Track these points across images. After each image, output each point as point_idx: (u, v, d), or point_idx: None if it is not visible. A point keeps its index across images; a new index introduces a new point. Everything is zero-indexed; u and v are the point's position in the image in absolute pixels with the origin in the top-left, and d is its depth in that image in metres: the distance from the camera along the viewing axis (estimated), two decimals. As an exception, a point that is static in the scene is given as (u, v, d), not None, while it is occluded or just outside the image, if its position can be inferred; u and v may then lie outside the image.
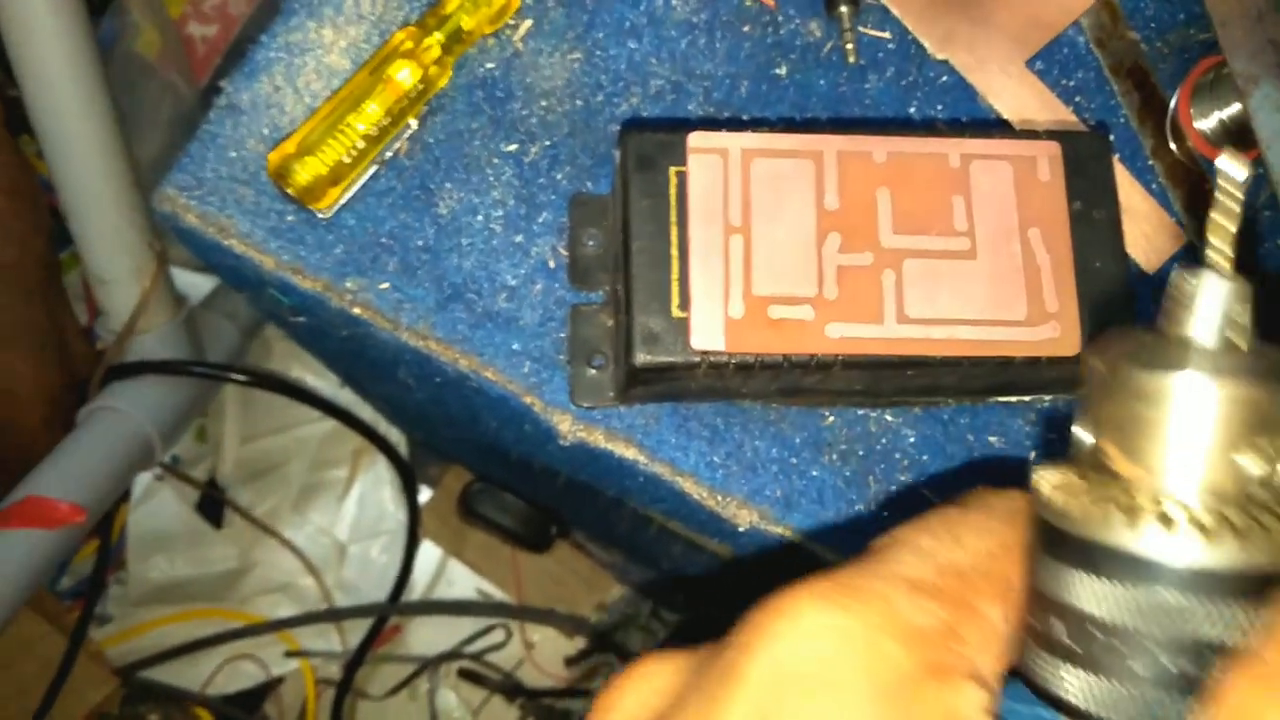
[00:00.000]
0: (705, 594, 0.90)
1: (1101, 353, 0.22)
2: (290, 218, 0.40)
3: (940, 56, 0.44)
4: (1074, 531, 0.21)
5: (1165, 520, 0.20)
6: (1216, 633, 0.20)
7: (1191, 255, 0.43)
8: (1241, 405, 0.21)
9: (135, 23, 0.83)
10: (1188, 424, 0.21)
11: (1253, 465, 0.21)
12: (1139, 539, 0.20)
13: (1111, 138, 0.43)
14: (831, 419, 0.40)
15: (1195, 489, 0.21)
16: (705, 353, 0.34)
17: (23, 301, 0.83)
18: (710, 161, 0.35)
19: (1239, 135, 0.42)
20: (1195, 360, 0.21)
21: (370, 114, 0.38)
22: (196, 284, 0.90)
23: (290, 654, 1.02)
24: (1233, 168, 0.22)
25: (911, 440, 0.40)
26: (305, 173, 0.37)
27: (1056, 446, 0.41)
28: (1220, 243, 0.22)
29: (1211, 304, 0.21)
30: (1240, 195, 0.22)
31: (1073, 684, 0.21)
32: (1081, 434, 0.22)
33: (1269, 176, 0.41)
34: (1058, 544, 0.21)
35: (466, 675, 1.04)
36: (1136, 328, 0.22)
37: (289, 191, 0.38)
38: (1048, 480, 0.22)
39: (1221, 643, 0.20)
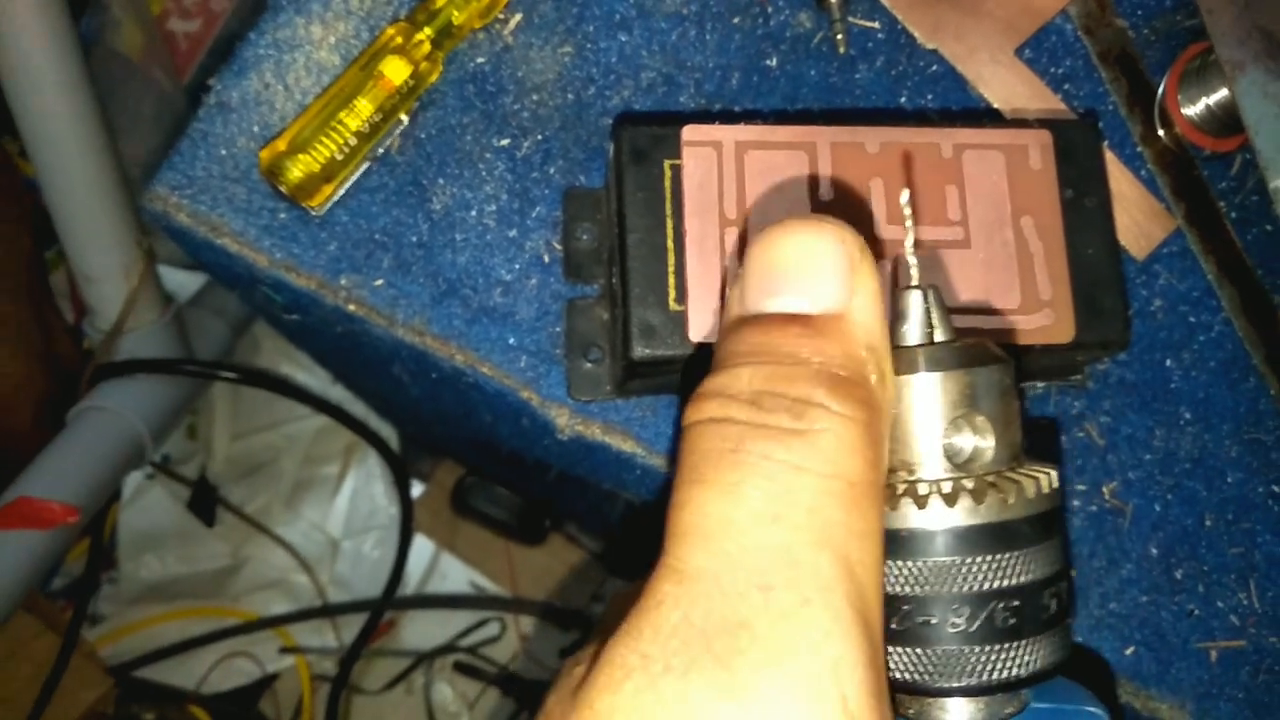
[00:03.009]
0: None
1: None
2: (283, 215, 0.40)
3: (929, 46, 0.44)
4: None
5: (917, 497, 0.24)
6: (986, 582, 0.24)
7: (1181, 242, 0.43)
8: (945, 388, 0.25)
9: (116, 19, 0.82)
10: (912, 413, 0.25)
11: (969, 439, 0.25)
12: (903, 517, 0.24)
13: (1101, 125, 0.43)
14: (827, 409, 0.40)
15: (938, 466, 0.25)
16: (703, 345, 0.34)
17: (9, 301, 0.83)
18: (705, 154, 0.35)
19: (1226, 121, 0.43)
20: (907, 362, 0.25)
21: (362, 110, 0.38)
22: (184, 281, 0.90)
23: (285, 650, 1.02)
24: (906, 196, 0.26)
25: (907, 428, 0.41)
26: (297, 170, 0.37)
27: (1046, 433, 0.42)
28: (911, 261, 0.26)
29: (915, 314, 0.26)
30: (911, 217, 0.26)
31: (895, 661, 0.25)
32: None
33: (1256, 162, 0.41)
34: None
35: (462, 669, 1.04)
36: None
37: (281, 189, 0.38)
38: None
39: (994, 589, 0.24)
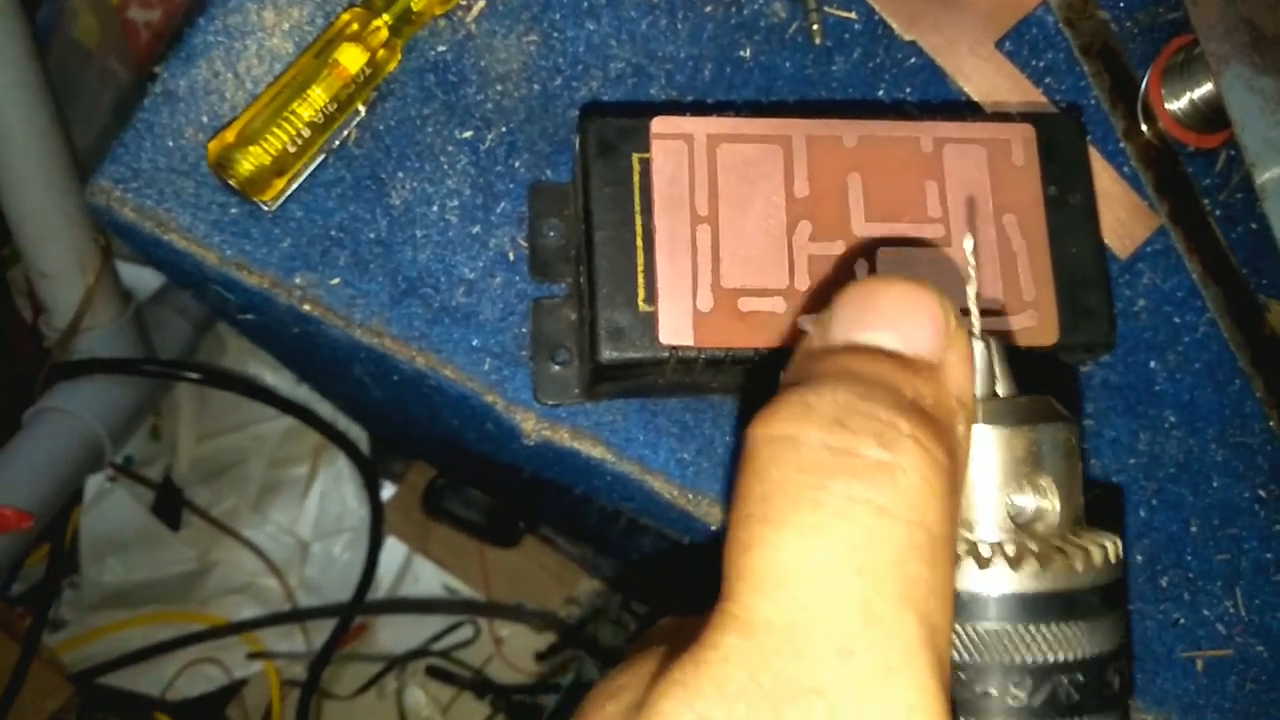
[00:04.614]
0: (677, 585, 0.89)
1: None
2: (233, 210, 0.38)
3: (908, 37, 0.42)
4: None
5: (979, 557, 0.23)
6: (1050, 654, 0.22)
7: (1165, 240, 0.42)
8: (1010, 445, 0.23)
9: (73, 8, 0.80)
10: (972, 468, 0.23)
11: (1031, 500, 0.24)
12: (963, 578, 0.23)
13: (1084, 119, 0.42)
14: (803, 412, 0.39)
15: (998, 528, 0.23)
16: (673, 348, 0.33)
17: (-39, 299, 0.80)
18: (675, 147, 0.34)
19: (1210, 116, 0.42)
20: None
21: (315, 100, 0.36)
22: (145, 278, 0.87)
23: (253, 656, 1.00)
24: (970, 243, 0.25)
25: (885, 433, 0.39)
26: (247, 163, 0.35)
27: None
28: (973, 310, 0.25)
29: (975, 364, 0.24)
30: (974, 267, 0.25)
31: None
32: None
33: (1241, 158, 0.40)
34: None
35: (435, 673, 1.03)
36: None
37: (231, 183, 0.36)
38: None
39: (1058, 662, 0.22)
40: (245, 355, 0.99)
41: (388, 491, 1.04)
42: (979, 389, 0.24)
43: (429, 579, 1.05)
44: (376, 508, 0.95)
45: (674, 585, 0.88)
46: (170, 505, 1.00)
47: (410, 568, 1.05)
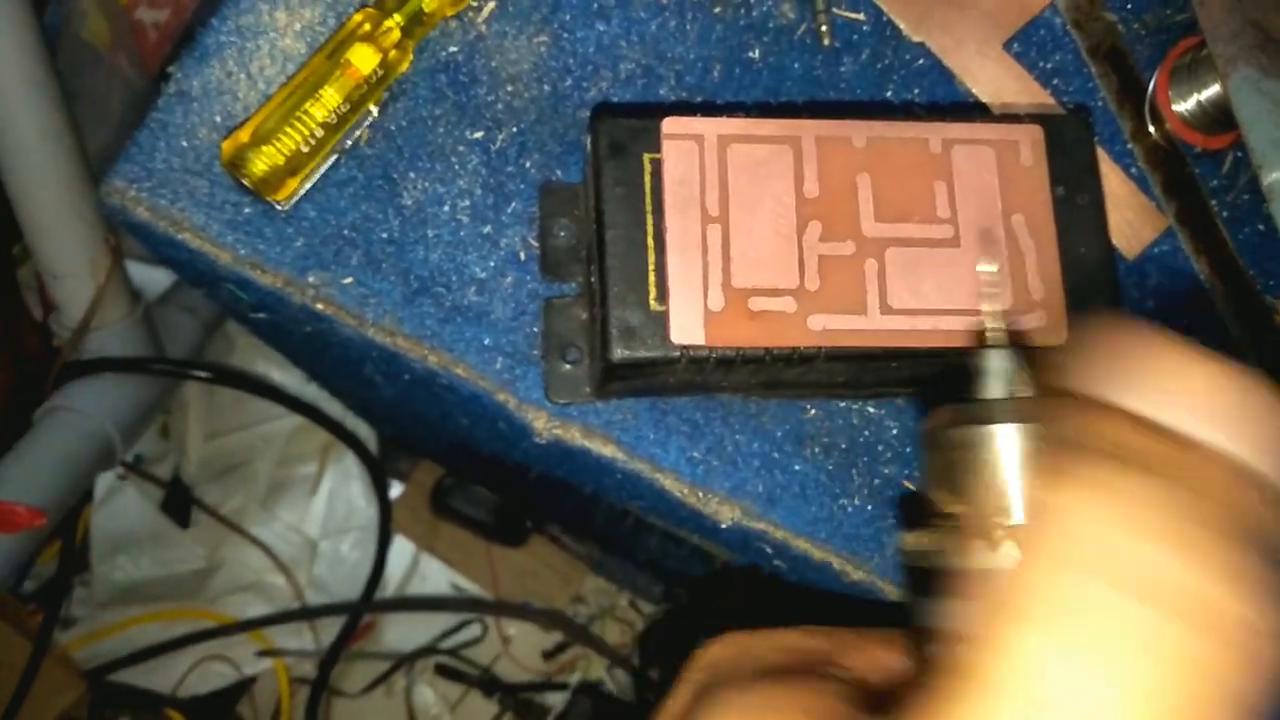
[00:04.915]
0: (683, 584, 0.89)
1: (932, 421, 0.27)
2: (247, 210, 0.38)
3: (916, 38, 0.43)
4: (934, 566, 0.26)
5: (992, 540, 0.24)
6: None
7: (1173, 241, 0.42)
8: (1033, 439, 0.25)
9: (82, 9, 0.80)
10: (1001, 461, 0.25)
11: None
12: (1008, 557, 0.24)
13: (1092, 120, 0.42)
14: (814, 412, 0.39)
15: (1008, 510, 0.25)
16: (685, 347, 0.33)
17: (-28, 299, 0.80)
18: (686, 148, 0.34)
19: (1218, 117, 0.42)
20: (993, 412, 0.26)
21: (328, 100, 0.36)
22: (154, 277, 0.88)
23: (263, 653, 1.00)
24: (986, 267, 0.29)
25: (894, 432, 0.40)
26: (261, 162, 0.36)
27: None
28: (996, 324, 0.27)
29: (1000, 370, 0.27)
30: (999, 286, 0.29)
31: None
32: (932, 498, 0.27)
33: (1248, 160, 0.40)
34: (923, 584, 0.26)
35: (443, 671, 1.03)
36: (955, 404, 0.27)
37: (244, 182, 0.36)
38: (907, 538, 0.27)
39: None
40: (253, 354, 0.99)
41: (396, 490, 1.05)
42: (1001, 390, 0.26)
43: (436, 577, 1.05)
44: (385, 506, 0.95)
45: (681, 582, 0.88)
46: (179, 503, 1.00)
47: (418, 566, 1.05)
